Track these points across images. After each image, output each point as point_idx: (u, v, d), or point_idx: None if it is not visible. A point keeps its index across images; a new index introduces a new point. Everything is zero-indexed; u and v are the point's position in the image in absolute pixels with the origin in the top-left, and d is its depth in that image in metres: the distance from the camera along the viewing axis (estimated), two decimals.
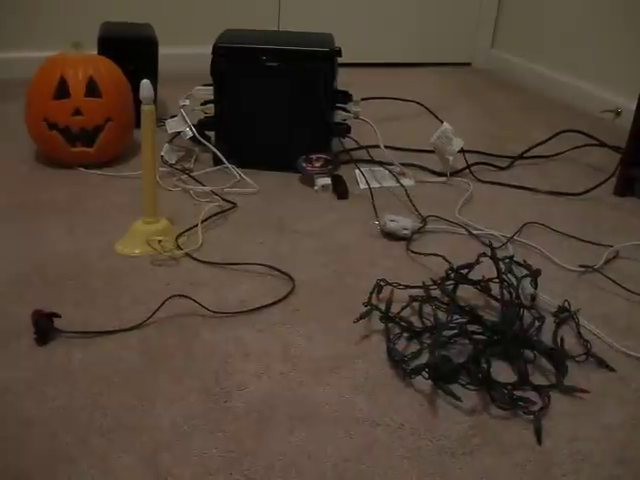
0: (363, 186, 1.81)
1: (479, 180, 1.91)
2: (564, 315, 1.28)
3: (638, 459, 0.99)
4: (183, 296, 1.28)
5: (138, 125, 1.56)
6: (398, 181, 1.83)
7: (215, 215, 1.61)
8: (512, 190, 1.87)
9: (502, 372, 1.14)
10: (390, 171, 1.87)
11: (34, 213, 1.57)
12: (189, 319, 1.23)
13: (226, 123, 1.86)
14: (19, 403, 1.01)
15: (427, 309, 1.28)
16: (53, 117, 1.73)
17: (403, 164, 1.93)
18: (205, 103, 1.89)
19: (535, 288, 1.31)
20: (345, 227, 1.60)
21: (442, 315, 1.25)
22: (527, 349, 1.18)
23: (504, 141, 2.25)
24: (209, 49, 1.80)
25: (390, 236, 1.56)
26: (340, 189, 1.76)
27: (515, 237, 1.58)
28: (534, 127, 2.42)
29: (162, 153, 1.85)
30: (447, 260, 1.41)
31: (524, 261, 1.32)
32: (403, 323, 1.22)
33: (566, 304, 1.29)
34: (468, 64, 3.32)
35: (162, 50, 2.12)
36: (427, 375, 1.09)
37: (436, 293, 1.32)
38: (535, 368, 1.16)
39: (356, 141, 1.93)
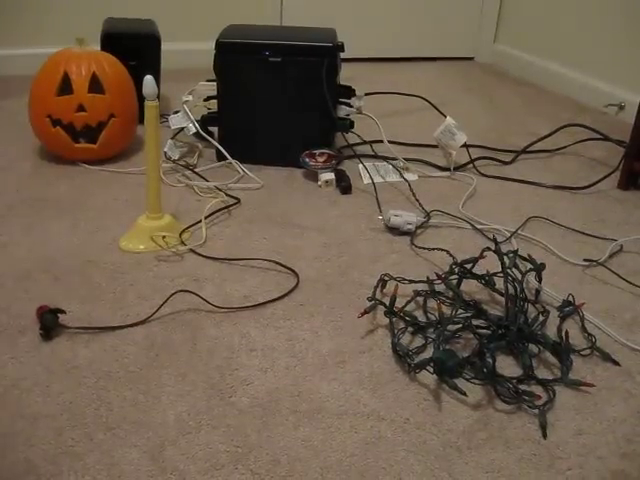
0: (367, 181, 1.81)
1: (483, 175, 1.91)
2: (568, 309, 1.28)
3: None
4: (187, 292, 1.28)
5: (141, 121, 1.56)
6: (402, 176, 1.83)
7: (219, 211, 1.61)
8: (516, 184, 1.87)
9: (507, 366, 1.14)
10: (394, 166, 1.87)
11: (38, 209, 1.57)
12: (194, 314, 1.23)
13: (229, 119, 1.86)
14: (25, 398, 1.02)
15: (431, 304, 1.29)
16: (56, 113, 1.73)
17: (406, 159, 1.93)
18: (208, 99, 1.89)
19: (539, 282, 1.31)
20: (349, 222, 1.60)
21: (446, 309, 1.25)
22: (532, 343, 1.18)
23: (507, 135, 2.25)
24: (212, 45, 1.80)
25: (394, 231, 1.56)
26: (344, 184, 1.76)
27: (519, 231, 1.58)
28: (537, 121, 2.41)
29: (165, 149, 1.85)
30: (451, 255, 1.41)
31: (528, 255, 1.32)
32: (407, 318, 1.22)
33: (570, 298, 1.29)
34: (471, 59, 3.31)
35: (165, 46, 2.12)
36: (432, 369, 1.09)
37: (440, 288, 1.32)
38: (540, 362, 1.16)
39: (359, 136, 1.93)
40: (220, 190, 1.71)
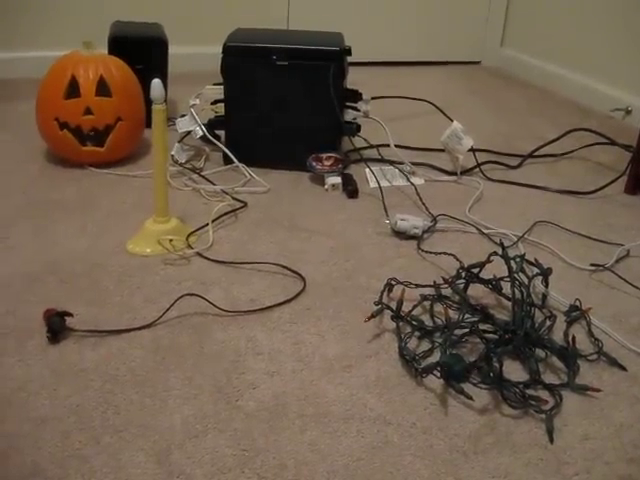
0: (373, 185, 1.81)
1: (489, 179, 1.91)
2: (575, 314, 1.28)
3: None
4: (194, 295, 1.28)
5: (148, 124, 1.57)
6: (408, 180, 1.82)
7: (226, 214, 1.61)
8: (522, 189, 1.87)
9: (514, 371, 1.14)
10: (400, 170, 1.87)
11: (46, 212, 1.58)
12: (200, 318, 1.24)
13: (236, 122, 1.86)
14: (32, 401, 1.02)
15: (438, 308, 1.28)
16: (64, 117, 1.74)
17: (413, 163, 1.93)
18: (215, 102, 1.89)
19: (546, 287, 1.31)
20: (355, 226, 1.60)
21: (453, 314, 1.25)
22: (538, 348, 1.18)
23: (514, 140, 2.25)
24: (219, 48, 1.80)
25: (401, 235, 1.56)
26: (350, 188, 1.76)
27: (526, 236, 1.58)
28: (544, 126, 2.41)
29: (172, 152, 1.85)
30: (458, 259, 1.41)
31: (535, 260, 1.31)
32: (414, 322, 1.22)
33: (577, 303, 1.29)
34: (477, 62, 3.31)
35: (172, 49, 2.13)
36: (439, 374, 1.09)
37: (447, 292, 1.32)
38: (546, 367, 1.16)
39: (366, 140, 1.93)
40: (227, 194, 1.71)
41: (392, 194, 1.77)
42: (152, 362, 1.12)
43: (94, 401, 1.03)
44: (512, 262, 1.24)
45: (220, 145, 1.87)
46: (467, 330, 1.20)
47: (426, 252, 1.49)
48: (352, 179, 1.80)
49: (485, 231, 1.59)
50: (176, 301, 1.26)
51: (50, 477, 0.90)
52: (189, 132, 1.90)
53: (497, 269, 1.33)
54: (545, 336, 1.20)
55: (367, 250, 1.50)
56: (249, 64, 1.80)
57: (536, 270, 1.30)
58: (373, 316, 1.23)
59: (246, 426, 1.00)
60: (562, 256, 1.51)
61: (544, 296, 1.32)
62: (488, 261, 1.28)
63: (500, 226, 1.62)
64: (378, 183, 1.77)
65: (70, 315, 1.18)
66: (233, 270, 1.40)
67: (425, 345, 1.19)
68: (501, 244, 1.30)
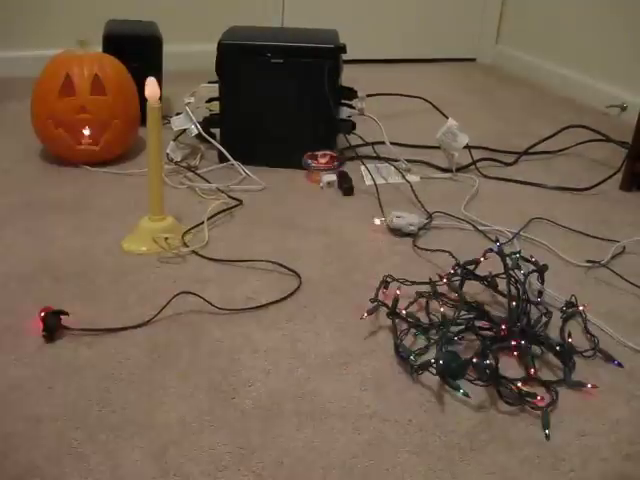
0: (369, 182, 1.81)
1: (485, 176, 1.91)
2: (571, 310, 1.28)
3: None
4: (190, 293, 1.28)
5: (143, 123, 1.56)
6: (404, 177, 1.82)
7: (221, 212, 1.61)
8: (518, 186, 1.87)
9: (510, 368, 1.14)
10: (396, 167, 1.87)
11: (41, 211, 1.58)
12: (196, 316, 1.23)
13: (231, 120, 1.86)
14: (28, 400, 1.02)
15: (434, 305, 1.28)
16: (59, 115, 1.73)
17: (409, 160, 1.93)
18: (210, 100, 1.89)
19: (542, 284, 1.31)
20: (351, 223, 1.60)
21: (449, 311, 1.25)
22: (534, 345, 1.18)
23: (509, 137, 2.25)
24: (214, 46, 1.80)
25: (396, 232, 1.56)
26: (346, 185, 1.76)
27: (521, 233, 1.58)
28: (539, 123, 2.41)
29: (167, 151, 1.85)
30: (454, 256, 1.41)
31: (531, 257, 1.32)
32: (410, 319, 1.22)
33: (573, 299, 1.29)
34: (473, 60, 3.31)
35: (166, 47, 2.12)
36: (434, 371, 1.09)
37: (443, 289, 1.32)
38: (542, 364, 1.16)
39: (361, 137, 1.93)
40: (222, 192, 1.71)
41: (387, 191, 1.77)
42: (148, 360, 1.11)
43: (90, 399, 1.02)
44: (508, 259, 1.24)
45: (215, 143, 1.87)
46: (463, 327, 1.20)
47: (422, 249, 1.49)
48: (347, 177, 1.80)
49: (481, 228, 1.59)
50: (172, 299, 1.25)
51: (46, 476, 0.89)
52: (184, 130, 1.90)
53: (493, 266, 1.33)
54: (541, 333, 1.20)
55: (363, 247, 1.50)
56: (244, 62, 1.80)
57: (532, 267, 1.31)
58: (369, 313, 1.23)
59: (242, 424, 1.00)
60: (558, 253, 1.51)
61: (540, 293, 1.32)
62: (484, 258, 1.28)
63: (496, 223, 1.62)
64: (373, 180, 1.77)
65: (66, 314, 1.17)
66: (229, 268, 1.39)
67: (421, 342, 1.19)
68: (497, 241, 1.30)
